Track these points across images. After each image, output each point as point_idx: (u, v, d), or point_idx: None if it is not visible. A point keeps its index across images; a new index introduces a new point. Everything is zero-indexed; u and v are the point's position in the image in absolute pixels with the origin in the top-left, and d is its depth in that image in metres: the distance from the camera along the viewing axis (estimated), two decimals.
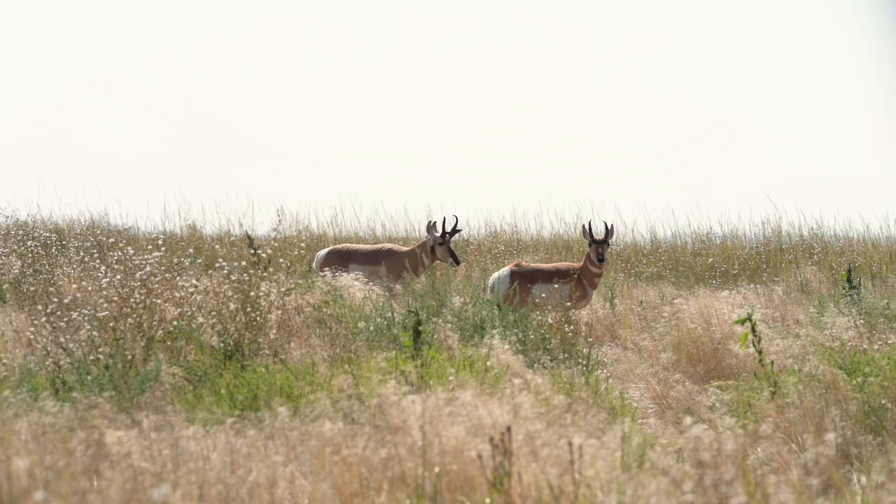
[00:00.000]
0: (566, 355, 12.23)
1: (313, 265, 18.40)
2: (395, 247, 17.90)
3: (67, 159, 38.11)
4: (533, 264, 16.19)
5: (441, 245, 17.47)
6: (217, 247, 23.37)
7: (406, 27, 46.82)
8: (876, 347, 11.23)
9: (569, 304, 15.36)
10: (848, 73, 40.63)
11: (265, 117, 43.55)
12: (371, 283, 16.78)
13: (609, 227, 16.10)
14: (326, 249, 18.13)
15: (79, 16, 44.31)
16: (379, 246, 18.03)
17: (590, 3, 47.05)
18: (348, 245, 18.18)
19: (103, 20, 44.78)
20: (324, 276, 16.67)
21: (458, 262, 17.49)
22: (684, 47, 46.55)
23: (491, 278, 16.04)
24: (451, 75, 46.00)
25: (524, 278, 15.80)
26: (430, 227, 17.50)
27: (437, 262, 17.63)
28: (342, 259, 17.91)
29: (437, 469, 7.16)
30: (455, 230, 17.56)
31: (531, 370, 10.99)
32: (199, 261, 20.35)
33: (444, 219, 17.54)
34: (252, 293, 11.10)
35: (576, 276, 15.89)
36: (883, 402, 9.31)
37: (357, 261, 17.84)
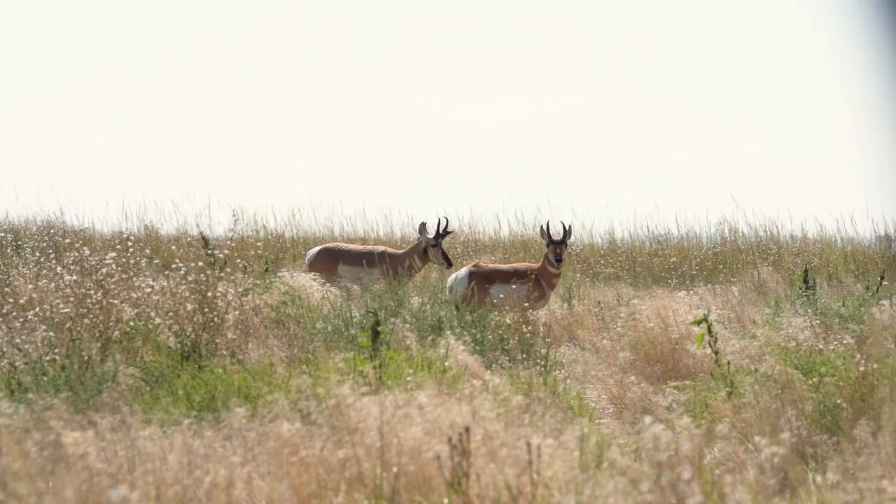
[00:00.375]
0: (524, 356, 12.24)
1: (305, 262, 18.28)
2: (390, 249, 17.82)
3: (28, 161, 37.87)
4: (491, 265, 16.21)
5: (434, 247, 17.41)
6: (174, 247, 23.27)
7: (380, 28, 46.77)
8: (832, 348, 11.29)
9: (527, 304, 15.38)
10: (808, 75, 40.87)
11: (235, 115, 43.41)
12: (329, 284, 16.71)
13: (567, 227, 16.13)
14: (318, 248, 18.01)
15: (57, 16, 44.04)
16: (372, 247, 17.91)
17: (564, 7, 47.14)
18: (340, 244, 18.05)
19: (84, 21, 44.52)
20: (314, 275, 16.57)
21: (450, 264, 17.45)
22: (648, 50, 46.68)
23: (449, 279, 16.04)
24: (402, 78, 45.98)
25: (482, 279, 15.80)
26: (422, 228, 17.43)
27: (430, 263, 17.57)
28: (333, 258, 17.78)
29: (394, 469, 7.16)
30: (447, 231, 17.50)
31: (489, 370, 11.00)
32: (156, 261, 20.26)
33: (439, 220, 17.49)
34: (209, 294, 11.07)
35: (534, 276, 15.91)
36: (838, 401, 9.36)
37: (349, 262, 17.71)
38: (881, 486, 6.88)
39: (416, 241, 17.57)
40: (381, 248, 17.84)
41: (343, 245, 17.99)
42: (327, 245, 18.00)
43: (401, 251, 17.77)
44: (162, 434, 7.61)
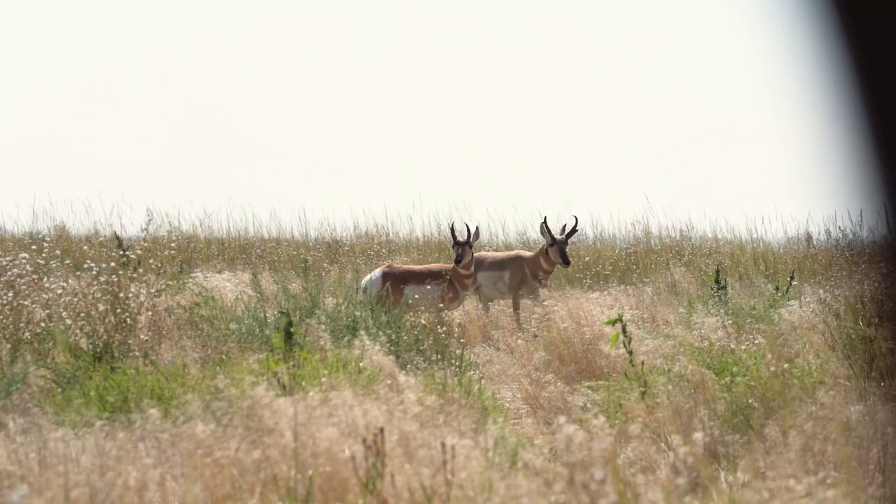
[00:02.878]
0: (439, 356, 12.25)
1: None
2: (523, 253, 17.56)
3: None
4: (405, 266, 16.23)
5: (552, 246, 17.15)
6: (85, 248, 23.03)
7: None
8: (743, 347, 11.40)
9: (441, 305, 15.41)
10: (724, 78, 41.29)
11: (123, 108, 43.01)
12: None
13: (472, 229, 16.25)
14: None
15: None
16: (508, 254, 17.60)
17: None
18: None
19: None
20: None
21: (567, 263, 17.17)
22: (557, 53, 46.93)
23: (363, 280, 16.04)
24: (310, 76, 45.88)
25: (396, 279, 15.83)
26: (547, 229, 17.16)
27: (552, 264, 17.27)
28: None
29: (309, 471, 7.14)
30: (574, 230, 17.29)
31: (404, 371, 11.00)
32: (67, 262, 20.05)
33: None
34: (121, 294, 10.97)
35: (448, 277, 15.97)
36: (749, 401, 9.45)
37: (483, 268, 17.29)
38: (790, 485, 6.96)
39: (543, 244, 17.28)
40: (516, 252, 17.60)
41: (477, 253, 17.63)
42: None
43: (531, 254, 17.48)
44: (74, 436, 7.53)
